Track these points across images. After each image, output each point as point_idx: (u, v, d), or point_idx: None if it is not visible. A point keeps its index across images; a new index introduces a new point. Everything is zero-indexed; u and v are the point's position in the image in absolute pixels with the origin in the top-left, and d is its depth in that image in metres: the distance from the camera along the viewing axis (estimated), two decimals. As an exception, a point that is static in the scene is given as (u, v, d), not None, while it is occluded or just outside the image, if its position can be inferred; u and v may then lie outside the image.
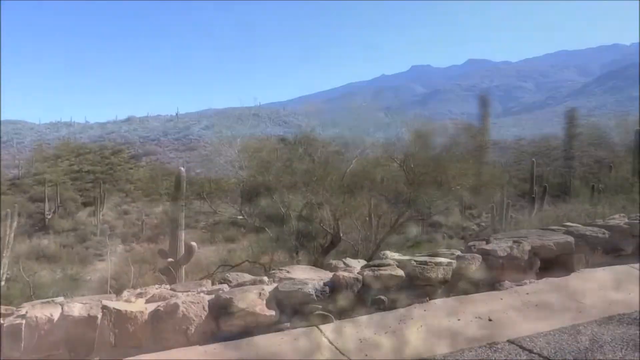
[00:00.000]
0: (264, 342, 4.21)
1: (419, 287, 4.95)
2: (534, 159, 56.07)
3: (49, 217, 54.87)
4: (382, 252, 5.59)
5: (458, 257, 5.27)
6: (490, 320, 4.58)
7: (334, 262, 5.33)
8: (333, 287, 4.65)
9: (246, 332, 4.29)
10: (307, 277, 4.82)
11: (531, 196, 40.93)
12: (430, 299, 5.00)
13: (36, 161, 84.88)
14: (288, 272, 4.94)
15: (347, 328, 4.47)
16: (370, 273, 4.82)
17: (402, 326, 4.48)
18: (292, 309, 4.48)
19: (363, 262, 5.38)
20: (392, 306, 4.82)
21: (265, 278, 4.82)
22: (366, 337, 4.27)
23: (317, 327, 4.47)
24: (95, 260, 44.30)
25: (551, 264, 5.81)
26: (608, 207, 16.09)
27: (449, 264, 5.12)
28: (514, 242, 5.51)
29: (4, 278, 16.12)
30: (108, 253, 32.92)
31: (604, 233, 5.93)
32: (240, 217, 11.19)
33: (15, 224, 28.81)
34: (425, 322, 4.55)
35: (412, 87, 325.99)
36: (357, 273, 4.86)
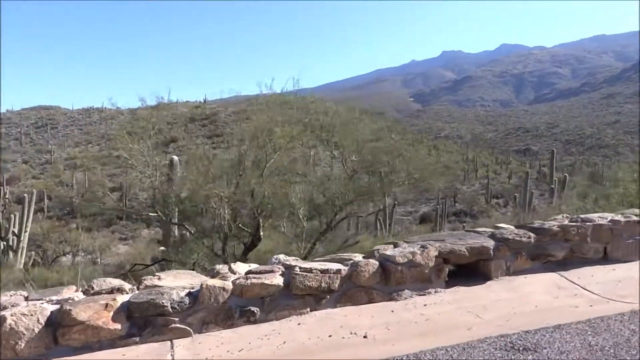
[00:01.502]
0: (102, 359, 3.84)
1: (299, 297, 4.49)
2: (554, 149, 54.47)
3: (77, 201, 55.86)
4: (275, 257, 5.13)
5: (352, 264, 4.78)
6: (365, 337, 4.10)
7: (218, 267, 4.89)
8: (196, 297, 4.24)
9: (87, 347, 3.92)
10: (178, 284, 4.40)
11: (550, 186, 39.81)
12: (312, 310, 4.54)
13: (68, 146, 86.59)
14: (159, 279, 4.53)
15: (204, 344, 4.04)
16: (242, 281, 4.38)
17: (263, 343, 4.03)
18: (145, 321, 4.08)
19: (255, 267, 4.94)
20: (264, 319, 4.37)
21: (127, 286, 4.43)
22: (216, 356, 3.85)
23: (171, 342, 4.08)
24: (120, 244, 45.02)
25: (469, 270, 5.29)
26: (604, 201, 15.26)
27: (337, 271, 4.63)
28: (421, 247, 4.98)
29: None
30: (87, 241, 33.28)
31: (529, 237, 5.34)
32: (154, 214, 10.84)
33: (32, 209, 29.24)
34: (292, 338, 4.10)
35: (442, 73, 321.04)
36: (232, 281, 4.44)
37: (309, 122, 11.31)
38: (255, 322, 4.33)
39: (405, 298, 4.76)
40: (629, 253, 5.65)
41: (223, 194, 8.90)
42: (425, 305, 4.65)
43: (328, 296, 4.59)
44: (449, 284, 5.08)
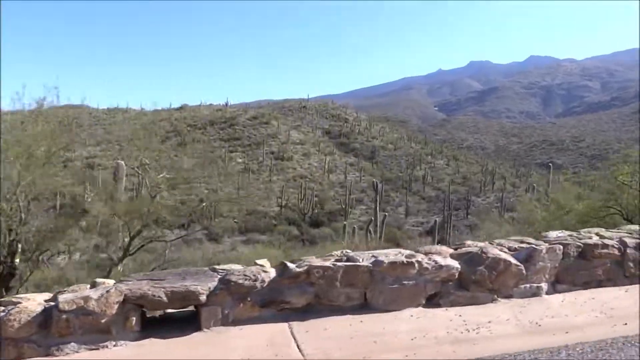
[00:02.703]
0: None
1: None
2: (550, 164, 52.55)
3: (88, 200, 55.94)
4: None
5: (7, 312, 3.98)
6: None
7: None
8: None
9: None
10: None
11: (545, 203, 38.24)
12: None
13: (89, 145, 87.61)
14: None
15: None
16: None
17: None
18: None
19: None
20: None
21: None
22: None
23: None
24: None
25: (188, 316, 4.46)
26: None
27: (-21, 318, 3.85)
28: (106, 290, 4.15)
29: None
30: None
31: (254, 279, 4.41)
32: None
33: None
34: None
35: (469, 83, 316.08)
36: None
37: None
38: None
39: (67, 354, 3.93)
40: (393, 300, 4.70)
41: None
42: (77, 364, 3.82)
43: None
44: (148, 335, 4.23)
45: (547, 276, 5.11)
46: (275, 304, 4.49)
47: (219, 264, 4.99)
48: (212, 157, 79.19)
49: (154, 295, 4.16)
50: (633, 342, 3.95)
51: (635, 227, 6.04)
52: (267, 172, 72.21)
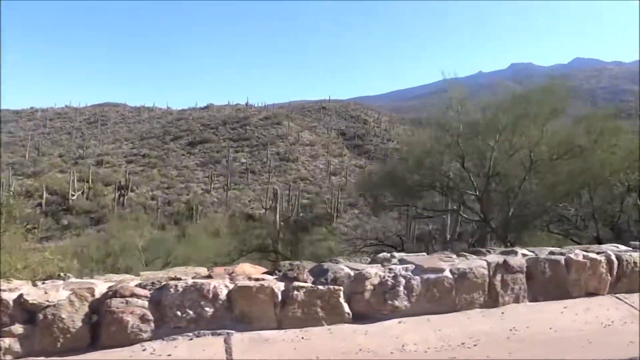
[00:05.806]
0: None
1: None
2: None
3: (74, 198, 55.21)
4: None
5: None
6: None
7: None
8: None
9: None
10: None
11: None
12: None
13: (104, 143, 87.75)
14: None
15: None
16: None
17: None
18: None
19: None
20: None
21: None
22: None
23: None
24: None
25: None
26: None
27: None
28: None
29: None
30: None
31: None
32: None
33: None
34: None
35: (510, 86, 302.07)
36: None
37: None
38: None
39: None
40: None
41: None
42: None
43: None
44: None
45: None
46: None
47: None
48: (217, 157, 77.18)
49: None
50: None
51: None
52: (268, 174, 69.54)
